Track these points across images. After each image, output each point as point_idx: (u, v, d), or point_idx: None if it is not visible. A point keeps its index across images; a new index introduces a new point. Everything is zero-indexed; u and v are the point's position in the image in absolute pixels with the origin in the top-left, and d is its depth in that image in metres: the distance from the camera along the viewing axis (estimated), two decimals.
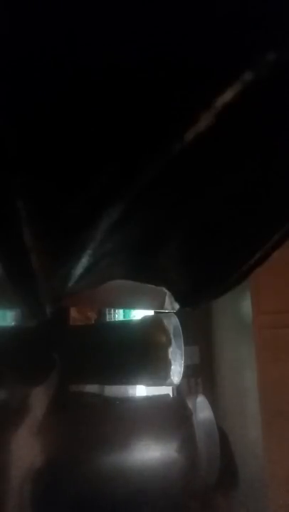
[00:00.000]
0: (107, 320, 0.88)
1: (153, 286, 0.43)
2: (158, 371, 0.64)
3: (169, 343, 0.64)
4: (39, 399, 0.57)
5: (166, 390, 0.80)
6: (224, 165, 0.26)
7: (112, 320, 0.89)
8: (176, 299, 0.44)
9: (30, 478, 0.51)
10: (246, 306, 1.49)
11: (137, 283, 0.42)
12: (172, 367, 0.63)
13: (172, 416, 0.64)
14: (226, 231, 0.34)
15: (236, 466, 0.59)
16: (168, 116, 0.20)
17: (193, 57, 0.19)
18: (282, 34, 0.18)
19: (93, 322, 0.86)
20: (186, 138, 0.21)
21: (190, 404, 0.63)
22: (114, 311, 0.89)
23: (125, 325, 0.82)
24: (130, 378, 0.68)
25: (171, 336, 0.64)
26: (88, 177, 0.23)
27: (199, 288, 0.41)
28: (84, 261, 0.29)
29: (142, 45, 0.18)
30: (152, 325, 0.67)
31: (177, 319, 0.66)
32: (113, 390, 0.73)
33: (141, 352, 0.64)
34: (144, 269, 0.39)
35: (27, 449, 0.53)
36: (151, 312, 0.73)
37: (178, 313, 0.66)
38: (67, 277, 0.31)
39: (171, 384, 0.66)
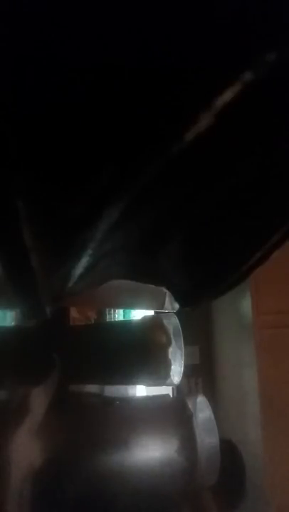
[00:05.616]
0: (107, 320, 0.88)
1: (153, 286, 0.43)
2: (158, 371, 0.64)
3: (169, 343, 0.64)
4: (39, 399, 0.57)
5: (166, 390, 0.80)
6: (224, 165, 0.26)
7: (112, 320, 0.89)
8: (176, 299, 0.44)
9: (30, 478, 0.51)
10: (246, 306, 1.50)
11: (137, 283, 0.42)
12: (172, 367, 0.63)
13: (172, 416, 0.64)
14: (225, 231, 0.34)
15: (245, 478, 0.59)
16: (168, 117, 0.20)
17: (193, 58, 0.19)
18: (282, 34, 0.18)
19: (93, 322, 0.86)
20: (186, 138, 0.21)
21: (190, 404, 0.63)
22: (114, 311, 0.89)
23: (125, 325, 0.82)
24: (130, 378, 0.68)
25: (171, 335, 0.64)
26: (88, 177, 0.23)
27: (199, 288, 0.41)
28: (84, 261, 0.29)
29: (142, 45, 0.18)
30: (152, 325, 0.67)
31: (177, 319, 0.66)
32: (113, 390, 0.73)
33: (141, 352, 0.64)
34: (144, 269, 0.39)
35: (27, 449, 0.53)
36: (151, 312, 0.72)
37: (178, 313, 0.66)
38: (67, 277, 0.31)
39: (171, 384, 0.66)
